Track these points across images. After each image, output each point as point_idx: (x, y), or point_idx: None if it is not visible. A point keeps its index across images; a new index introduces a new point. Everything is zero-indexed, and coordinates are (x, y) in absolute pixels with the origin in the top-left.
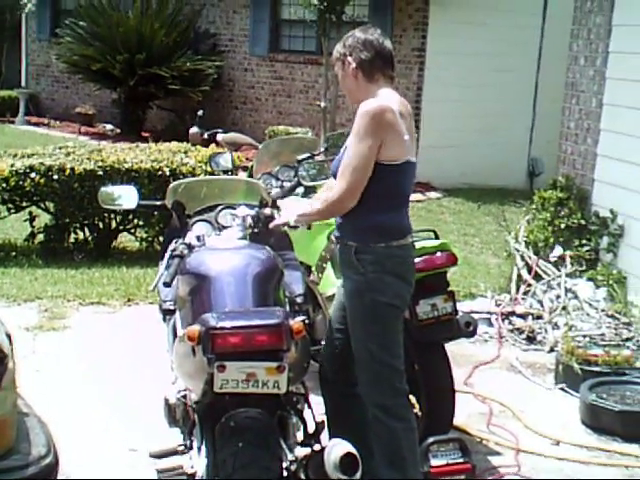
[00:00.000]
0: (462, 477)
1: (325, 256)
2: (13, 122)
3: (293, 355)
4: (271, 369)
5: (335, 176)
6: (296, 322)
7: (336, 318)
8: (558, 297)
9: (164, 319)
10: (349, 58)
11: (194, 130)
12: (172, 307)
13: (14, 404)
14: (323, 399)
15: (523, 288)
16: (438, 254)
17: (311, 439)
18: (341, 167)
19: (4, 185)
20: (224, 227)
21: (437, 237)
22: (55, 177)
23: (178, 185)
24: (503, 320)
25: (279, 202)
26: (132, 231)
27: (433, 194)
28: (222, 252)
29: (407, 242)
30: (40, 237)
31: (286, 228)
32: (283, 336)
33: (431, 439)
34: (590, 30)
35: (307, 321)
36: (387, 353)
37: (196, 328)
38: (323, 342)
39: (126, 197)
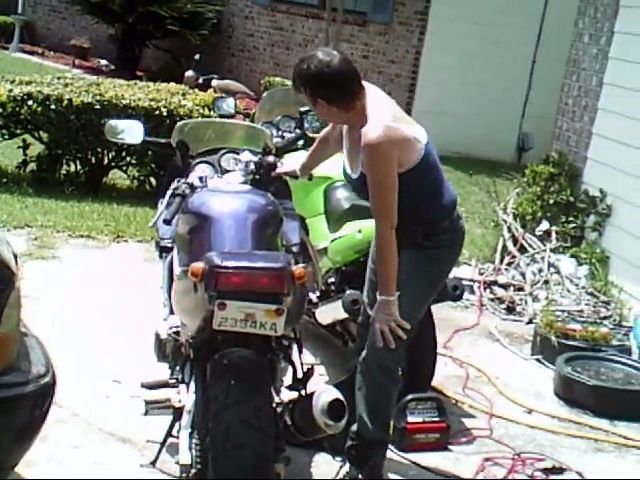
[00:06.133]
0: (437, 435)
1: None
2: (7, 48)
3: (291, 300)
4: (270, 311)
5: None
6: (298, 268)
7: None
8: (541, 271)
9: (160, 256)
10: (320, 100)
11: (190, 73)
12: (170, 245)
13: (18, 322)
14: None
15: (507, 259)
16: None
17: (299, 384)
18: (371, 201)
19: (0, 110)
20: (226, 170)
21: None
22: (52, 107)
23: (184, 125)
24: (485, 289)
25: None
26: (124, 168)
27: None
28: (225, 194)
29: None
30: (32, 166)
31: (287, 177)
32: (285, 280)
33: (410, 396)
34: (597, 8)
35: None
36: (416, 318)
37: (200, 265)
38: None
39: (132, 132)
